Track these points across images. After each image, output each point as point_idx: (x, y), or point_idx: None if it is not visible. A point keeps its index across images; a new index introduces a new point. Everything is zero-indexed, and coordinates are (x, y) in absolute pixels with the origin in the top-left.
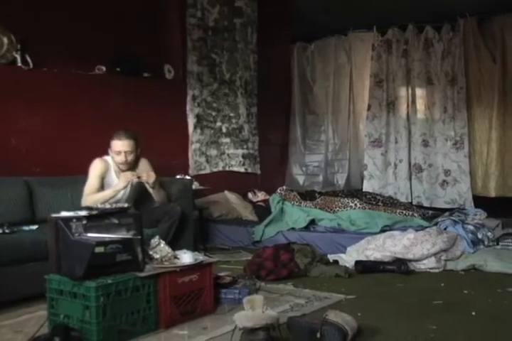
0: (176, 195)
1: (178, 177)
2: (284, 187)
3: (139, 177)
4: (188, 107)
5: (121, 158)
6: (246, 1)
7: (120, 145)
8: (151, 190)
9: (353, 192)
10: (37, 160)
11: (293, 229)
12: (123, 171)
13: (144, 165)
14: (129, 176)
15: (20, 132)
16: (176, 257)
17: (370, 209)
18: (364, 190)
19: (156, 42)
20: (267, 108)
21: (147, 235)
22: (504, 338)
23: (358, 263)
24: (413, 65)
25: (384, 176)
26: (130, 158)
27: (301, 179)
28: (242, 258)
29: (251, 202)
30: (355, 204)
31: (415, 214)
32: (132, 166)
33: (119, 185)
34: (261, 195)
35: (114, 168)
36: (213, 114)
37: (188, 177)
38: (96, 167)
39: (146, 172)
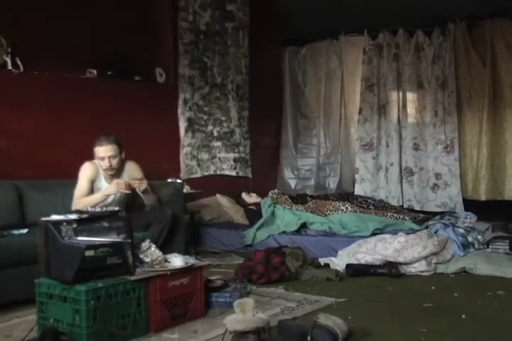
0: (167, 198)
1: (169, 180)
2: (276, 190)
3: (130, 187)
4: (179, 111)
5: (105, 164)
6: (238, 5)
7: (103, 151)
8: (141, 194)
9: (345, 195)
10: (27, 164)
11: (284, 232)
12: (110, 175)
13: (132, 168)
14: (122, 187)
15: (11, 135)
16: (166, 261)
17: (361, 212)
18: (356, 193)
19: (147, 46)
20: (259, 112)
21: (138, 239)
22: None
23: (348, 266)
24: (404, 69)
25: (375, 180)
26: (114, 162)
27: (292, 183)
28: (233, 262)
29: (243, 205)
30: (347, 208)
31: (406, 218)
32: (119, 170)
33: (110, 190)
34: (254, 196)
35: (103, 172)
36: (205, 117)
37: (179, 181)
38: (86, 170)
39: (138, 181)
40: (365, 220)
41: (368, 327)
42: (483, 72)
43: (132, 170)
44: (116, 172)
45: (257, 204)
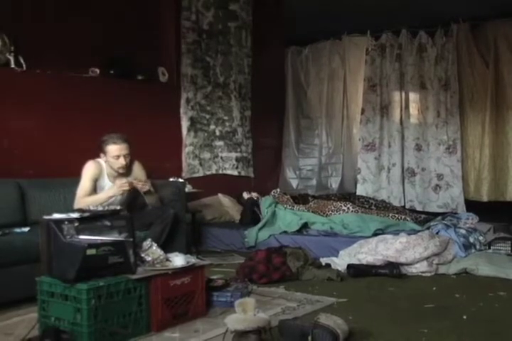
0: (168, 197)
1: (171, 180)
2: (278, 189)
3: (133, 188)
4: (181, 110)
5: (121, 162)
6: (241, 5)
7: (118, 149)
8: (143, 194)
9: (346, 195)
10: (29, 162)
11: (285, 232)
12: (120, 174)
13: (138, 168)
14: (124, 188)
15: (13, 134)
16: (168, 260)
17: (362, 212)
18: (357, 193)
19: (150, 45)
20: (261, 111)
21: (139, 238)
22: None
23: (350, 266)
24: (406, 70)
25: (377, 180)
26: (128, 160)
27: (294, 182)
28: (234, 262)
29: (244, 205)
30: (348, 208)
31: (408, 218)
32: (128, 169)
33: (113, 191)
34: (255, 195)
35: (107, 170)
36: (207, 117)
37: (181, 180)
38: (89, 169)
39: (141, 182)
40: (367, 220)
41: (369, 327)
42: (486, 72)
43: (137, 170)
44: (126, 171)
45: None
